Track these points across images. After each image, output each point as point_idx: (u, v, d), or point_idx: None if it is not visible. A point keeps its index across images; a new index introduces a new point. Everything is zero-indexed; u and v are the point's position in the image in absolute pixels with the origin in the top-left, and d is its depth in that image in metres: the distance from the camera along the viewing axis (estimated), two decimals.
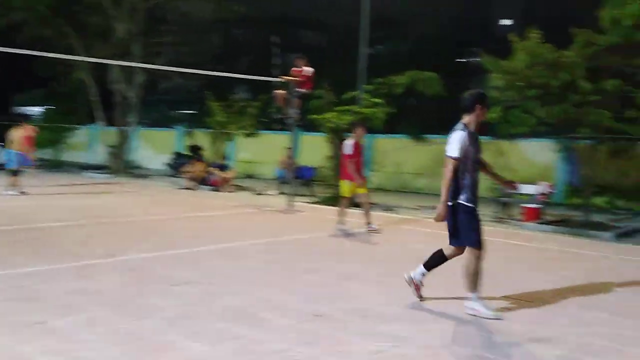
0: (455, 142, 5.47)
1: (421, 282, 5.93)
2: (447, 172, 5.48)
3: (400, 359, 4.33)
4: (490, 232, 11.49)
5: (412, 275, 5.96)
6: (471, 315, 5.49)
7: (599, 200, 16.09)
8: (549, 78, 11.27)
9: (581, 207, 12.85)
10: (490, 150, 18.49)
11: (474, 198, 5.53)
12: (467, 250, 5.57)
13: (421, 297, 5.93)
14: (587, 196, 12.50)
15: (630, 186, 15.87)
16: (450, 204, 5.58)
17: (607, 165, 14.72)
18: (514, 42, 11.89)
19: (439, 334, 4.95)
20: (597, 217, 13.02)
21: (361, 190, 10.66)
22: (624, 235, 11.43)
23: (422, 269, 5.93)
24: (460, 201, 5.52)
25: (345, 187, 10.58)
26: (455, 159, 5.45)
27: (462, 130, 5.54)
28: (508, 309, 5.78)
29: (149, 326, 4.80)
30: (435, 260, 5.87)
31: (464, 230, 5.56)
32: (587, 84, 11.05)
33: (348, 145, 10.58)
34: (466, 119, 5.64)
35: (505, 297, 6.25)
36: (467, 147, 5.48)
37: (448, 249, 5.78)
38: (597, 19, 11.19)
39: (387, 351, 4.46)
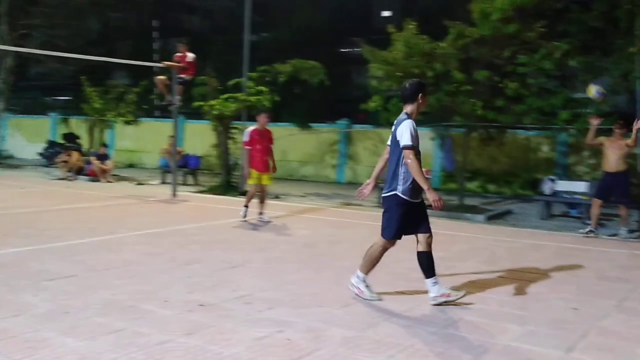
0: (407, 131, 5.36)
1: (446, 291, 5.61)
2: (413, 163, 5.32)
3: (284, 343, 4.38)
4: (373, 216, 11.96)
5: (434, 294, 5.58)
6: (355, 296, 5.65)
7: (472, 185, 17.10)
8: (424, 68, 11.76)
9: (456, 192, 13.55)
10: (374, 139, 19.12)
11: (410, 190, 5.45)
12: (379, 237, 5.62)
13: (465, 303, 5.59)
14: (461, 181, 13.20)
15: (500, 171, 17.00)
16: (387, 194, 5.52)
17: (479, 152, 15.67)
18: (392, 33, 12.28)
19: (322, 317, 5.05)
20: (471, 201, 13.82)
21: (265, 181, 10.44)
22: (495, 217, 12.21)
23: (429, 280, 5.63)
24: (396, 192, 5.46)
25: (252, 175, 10.30)
26: (411, 147, 5.35)
27: (408, 119, 5.48)
28: (387, 292, 6.00)
29: (22, 323, 4.53)
30: (425, 263, 5.66)
31: (386, 219, 5.56)
32: (460, 74, 11.63)
33: (246, 132, 10.41)
34: (409, 108, 5.60)
35: (385, 280, 6.49)
36: (416, 136, 5.43)
37: (419, 244, 5.66)
38: (469, 12, 11.79)
39: (271, 336, 4.50)
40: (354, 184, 18.81)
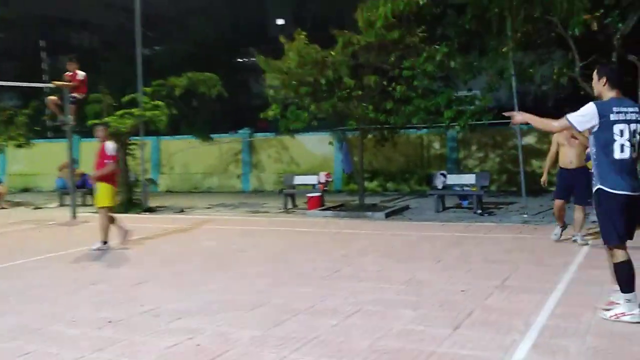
0: None
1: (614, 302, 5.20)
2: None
3: (194, 349, 4.57)
4: (280, 222, 12.28)
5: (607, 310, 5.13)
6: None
7: (372, 185, 17.80)
8: (317, 76, 12.21)
9: (357, 192, 14.11)
10: (276, 146, 19.44)
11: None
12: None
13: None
14: (360, 182, 13.77)
15: (397, 170, 17.80)
16: None
17: (376, 153, 16.37)
18: (284, 43, 12.65)
19: (230, 321, 5.27)
20: (371, 200, 14.43)
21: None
22: (393, 214, 12.85)
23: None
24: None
25: (106, 192, 9.24)
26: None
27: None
28: (293, 292, 6.31)
29: None
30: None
31: None
32: (351, 80, 12.17)
33: (112, 147, 9.40)
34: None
35: (290, 280, 6.80)
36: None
37: None
38: (355, 21, 12.36)
39: (182, 343, 4.68)
40: (261, 192, 19.08)
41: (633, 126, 4.86)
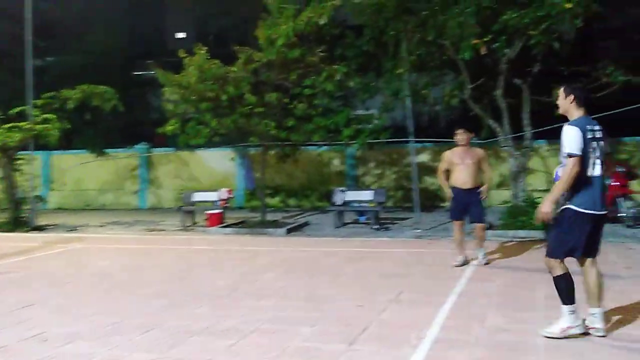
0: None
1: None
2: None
3: None
4: (178, 240, 12.01)
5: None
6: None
7: (274, 201, 17.83)
8: (218, 92, 12.13)
9: (259, 209, 14.06)
10: (175, 162, 19.04)
11: None
12: None
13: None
14: (261, 198, 13.76)
15: (299, 186, 17.95)
16: None
17: (278, 169, 16.44)
18: (184, 58, 12.49)
19: (123, 344, 5.09)
20: (273, 216, 14.45)
21: None
22: (294, 230, 12.92)
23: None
24: None
25: None
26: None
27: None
28: (189, 313, 6.18)
29: None
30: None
31: None
32: (252, 97, 12.18)
33: None
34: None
35: (187, 300, 6.67)
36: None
37: None
38: (256, 38, 12.41)
39: None
40: (158, 209, 18.59)
41: (600, 144, 4.98)
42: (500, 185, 16.06)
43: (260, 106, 12.35)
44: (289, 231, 12.66)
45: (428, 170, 17.20)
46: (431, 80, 13.32)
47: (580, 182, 4.89)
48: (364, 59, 13.29)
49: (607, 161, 5.13)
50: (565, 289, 5.03)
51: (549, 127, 11.99)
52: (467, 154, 8.25)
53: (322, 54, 12.22)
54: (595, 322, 5.05)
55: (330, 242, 11.21)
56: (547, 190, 15.33)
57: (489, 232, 11.37)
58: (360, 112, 14.12)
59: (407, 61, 12.04)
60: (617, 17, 13.81)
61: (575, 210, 4.92)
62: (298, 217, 15.38)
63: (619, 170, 12.27)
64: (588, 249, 5.03)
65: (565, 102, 5.11)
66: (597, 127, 5.01)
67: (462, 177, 8.23)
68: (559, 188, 4.95)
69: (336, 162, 18.03)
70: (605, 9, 12.25)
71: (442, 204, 16.91)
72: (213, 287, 7.41)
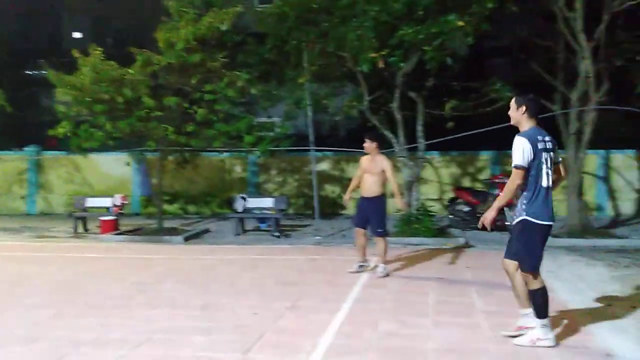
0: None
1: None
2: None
3: None
4: (68, 247, 11.46)
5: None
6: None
7: (172, 208, 17.43)
8: (114, 94, 11.73)
9: (155, 216, 13.70)
10: (67, 166, 18.18)
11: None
12: None
13: None
14: (159, 204, 13.42)
15: (199, 193, 17.65)
16: None
17: (177, 175, 16.08)
18: (78, 58, 11.99)
19: (5, 358, 4.81)
20: (171, 224, 14.13)
21: None
22: (192, 238, 12.69)
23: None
24: None
25: None
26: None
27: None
28: (78, 323, 5.93)
29: None
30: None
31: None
32: (150, 100, 11.87)
33: None
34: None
35: (76, 310, 6.39)
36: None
37: None
38: (156, 41, 12.12)
39: None
40: (48, 216, 17.66)
41: (551, 155, 5.04)
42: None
43: (159, 110, 12.06)
44: (187, 239, 12.43)
45: (328, 178, 17.47)
46: (332, 90, 13.57)
47: (535, 193, 4.96)
48: (266, 67, 13.32)
49: (557, 171, 5.20)
50: (542, 303, 5.07)
51: (442, 139, 12.56)
52: (371, 163, 8.26)
53: (223, 59, 12.12)
54: (531, 322, 5.19)
55: (230, 250, 11.11)
56: (439, 199, 16.09)
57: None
58: (263, 119, 14.13)
59: (308, 71, 12.19)
60: (506, 36, 14.64)
61: (532, 222, 4.97)
62: (198, 224, 15.13)
63: (504, 181, 13.00)
64: None
65: (517, 114, 5.13)
66: (547, 138, 5.06)
67: (364, 186, 8.28)
68: (503, 198, 5.06)
69: (238, 169, 17.89)
70: (495, 29, 13.01)
71: (341, 211, 17.25)
72: (103, 296, 7.15)
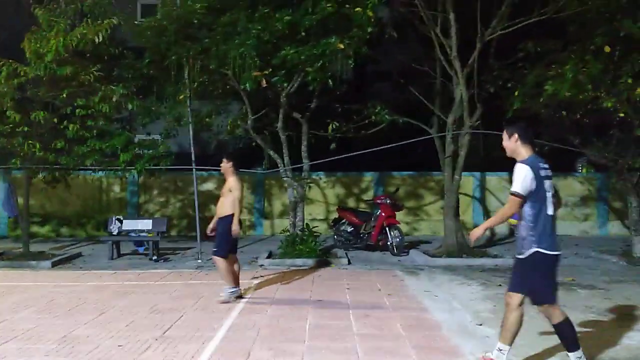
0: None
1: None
2: None
3: None
4: None
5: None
6: None
7: (43, 230, 16.27)
8: None
9: (22, 238, 12.65)
10: None
11: None
12: None
13: None
14: (24, 226, 12.42)
15: (74, 214, 16.60)
16: None
17: (49, 195, 15.02)
18: None
19: None
20: (41, 247, 13.12)
21: None
22: (62, 262, 11.82)
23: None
24: None
25: None
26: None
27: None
28: None
29: None
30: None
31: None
32: (16, 114, 11.00)
33: None
34: None
35: None
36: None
37: None
38: (23, 51, 11.28)
39: None
40: None
41: (551, 182, 4.85)
42: (282, 214, 16.45)
43: (26, 125, 11.21)
44: (56, 264, 11.55)
45: (214, 198, 16.98)
46: (215, 108, 13.24)
47: (543, 222, 4.72)
48: (145, 82, 12.76)
49: (554, 199, 4.93)
50: (570, 335, 4.80)
51: (326, 159, 12.59)
52: (225, 183, 8.07)
53: (98, 73, 11.46)
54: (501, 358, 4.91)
55: (102, 276, 10.41)
56: (325, 220, 16.13)
57: (267, 261, 11.52)
58: (142, 136, 13.50)
59: (189, 87, 11.81)
60: (386, 61, 15.03)
61: (544, 254, 4.73)
62: (70, 247, 14.16)
63: (387, 201, 13.23)
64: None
65: (511, 143, 4.92)
66: (546, 165, 4.86)
67: (218, 206, 8.09)
68: (494, 221, 4.94)
69: (116, 189, 17.03)
70: (376, 53, 13.30)
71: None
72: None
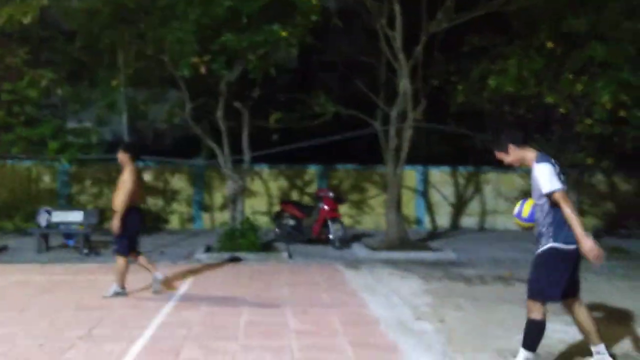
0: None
1: None
2: None
3: None
4: None
5: None
6: None
7: None
8: None
9: None
10: None
11: None
12: None
13: None
14: None
15: (1, 204, 15.74)
16: None
17: None
18: None
19: None
20: None
21: None
22: None
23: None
24: None
25: None
26: None
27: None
28: None
29: None
30: None
31: None
32: None
33: None
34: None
35: None
36: None
37: None
38: None
39: None
40: None
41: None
42: (223, 207, 16.05)
43: None
44: None
45: (151, 189, 16.50)
46: (151, 96, 12.72)
47: (561, 217, 4.51)
48: (76, 67, 12.13)
49: None
50: (537, 336, 4.64)
51: (268, 151, 12.31)
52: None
53: (26, 56, 10.82)
54: (606, 357, 4.74)
55: (27, 270, 9.81)
56: (267, 213, 15.84)
57: (205, 255, 11.14)
58: (74, 124, 12.85)
59: (123, 73, 11.29)
60: (332, 51, 14.82)
61: (562, 249, 4.55)
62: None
63: (330, 195, 13.05)
64: (572, 287, 4.71)
65: (512, 154, 4.71)
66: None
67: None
68: (577, 226, 4.43)
69: (47, 179, 16.22)
70: (321, 43, 13.06)
71: (166, 226, 16.37)
72: None
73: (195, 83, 11.63)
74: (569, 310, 4.80)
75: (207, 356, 5.18)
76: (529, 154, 4.67)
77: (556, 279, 4.55)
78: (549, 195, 4.48)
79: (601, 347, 4.73)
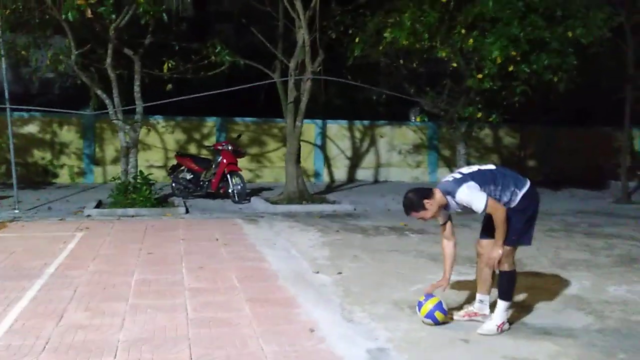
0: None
1: None
2: None
3: None
4: None
5: None
6: None
7: None
8: None
9: None
10: None
11: None
12: None
13: None
14: None
15: None
16: None
17: None
18: None
19: None
20: None
21: None
22: None
23: None
24: None
25: None
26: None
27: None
28: None
29: None
30: None
31: None
32: None
33: None
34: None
35: None
36: None
37: None
38: None
39: None
40: None
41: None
42: (115, 161, 15.35)
43: None
44: None
45: (37, 142, 15.52)
46: (33, 41, 11.73)
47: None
48: None
49: None
50: (513, 285, 4.78)
51: (161, 101, 11.78)
52: None
53: None
54: (485, 309, 4.97)
55: None
56: (163, 167, 15.32)
57: (95, 211, 10.60)
58: None
59: (0, 15, 10.29)
60: (229, 1, 14.30)
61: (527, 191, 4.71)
62: None
63: (228, 148, 12.76)
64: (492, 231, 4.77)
65: (429, 207, 4.64)
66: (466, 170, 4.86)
67: None
68: (501, 235, 4.57)
69: None
70: None
71: (53, 180, 15.50)
72: None
73: (82, 28, 10.85)
74: (480, 253, 4.97)
75: (93, 318, 4.91)
76: (437, 194, 4.68)
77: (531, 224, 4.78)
78: (488, 209, 4.55)
79: (486, 298, 5.01)
